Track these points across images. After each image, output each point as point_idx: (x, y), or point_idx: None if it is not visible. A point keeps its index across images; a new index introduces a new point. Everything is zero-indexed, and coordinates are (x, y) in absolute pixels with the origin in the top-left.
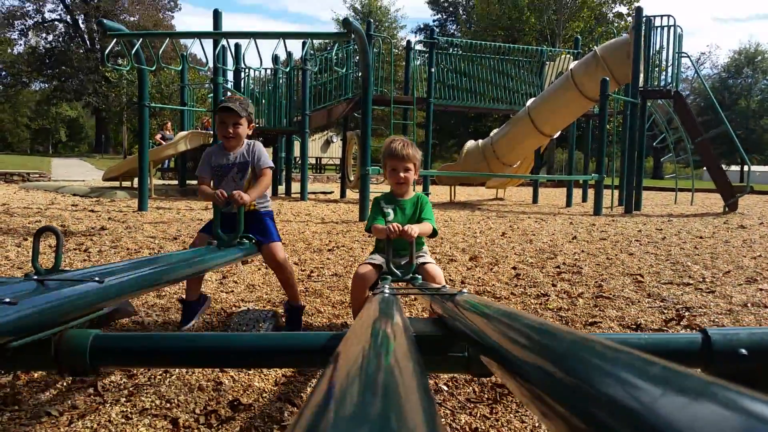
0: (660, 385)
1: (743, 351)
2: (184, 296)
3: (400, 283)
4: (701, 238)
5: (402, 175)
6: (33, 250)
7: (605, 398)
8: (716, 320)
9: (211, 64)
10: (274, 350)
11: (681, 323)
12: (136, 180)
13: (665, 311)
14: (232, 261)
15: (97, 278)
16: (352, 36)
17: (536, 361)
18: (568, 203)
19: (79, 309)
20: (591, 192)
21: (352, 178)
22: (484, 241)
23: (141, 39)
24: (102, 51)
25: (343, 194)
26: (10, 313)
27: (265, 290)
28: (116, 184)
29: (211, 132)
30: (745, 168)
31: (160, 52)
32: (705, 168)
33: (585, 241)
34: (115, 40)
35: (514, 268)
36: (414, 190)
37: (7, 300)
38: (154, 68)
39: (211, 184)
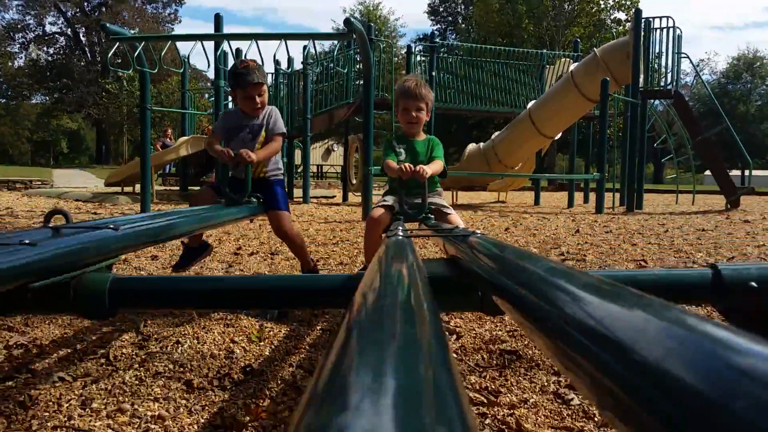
0: (675, 328)
1: (753, 284)
2: (186, 240)
3: (413, 224)
4: (704, 230)
5: (414, 114)
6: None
7: (615, 340)
8: None
9: (212, 67)
10: (294, 291)
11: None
12: (137, 186)
13: None
14: (240, 218)
15: (112, 226)
16: (353, 36)
17: (548, 302)
18: (570, 204)
19: (97, 254)
20: (592, 194)
21: (354, 182)
22: (487, 234)
23: (143, 42)
24: (104, 55)
25: (345, 198)
26: (30, 255)
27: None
28: (118, 189)
29: None
30: (746, 172)
31: (162, 53)
32: (707, 170)
33: (588, 234)
34: (117, 44)
35: None
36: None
37: (27, 241)
38: (155, 70)
39: (222, 144)
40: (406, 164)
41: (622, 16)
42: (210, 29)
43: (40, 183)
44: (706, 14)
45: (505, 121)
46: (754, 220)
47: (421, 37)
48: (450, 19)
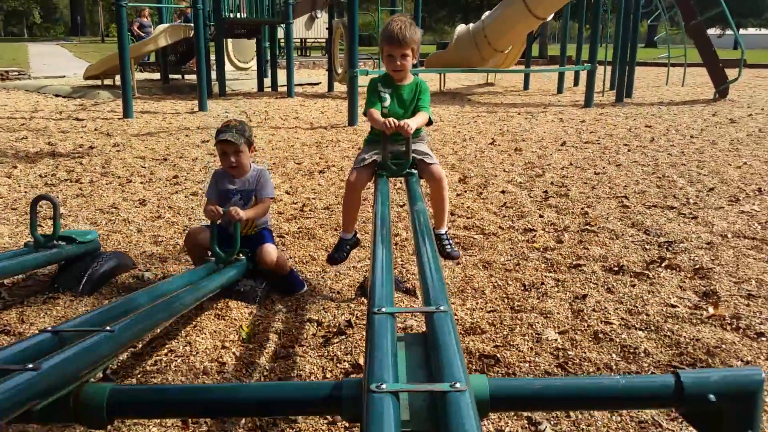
0: None
1: (712, 397)
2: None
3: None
4: (690, 137)
5: (399, 63)
6: (30, 219)
7: None
8: (696, 258)
9: None
10: (285, 401)
11: (662, 265)
12: (117, 78)
13: (647, 247)
14: (229, 282)
15: (108, 328)
16: None
17: None
18: (560, 89)
19: (95, 362)
20: (583, 75)
21: (339, 71)
22: (473, 151)
23: None
24: None
25: (330, 87)
26: (34, 380)
27: None
28: (98, 82)
29: (192, 25)
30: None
31: None
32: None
33: (574, 148)
34: None
35: (502, 191)
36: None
37: (30, 366)
38: None
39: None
40: (390, 120)
41: None
42: None
43: (17, 74)
44: None
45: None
46: (741, 118)
47: None
48: None
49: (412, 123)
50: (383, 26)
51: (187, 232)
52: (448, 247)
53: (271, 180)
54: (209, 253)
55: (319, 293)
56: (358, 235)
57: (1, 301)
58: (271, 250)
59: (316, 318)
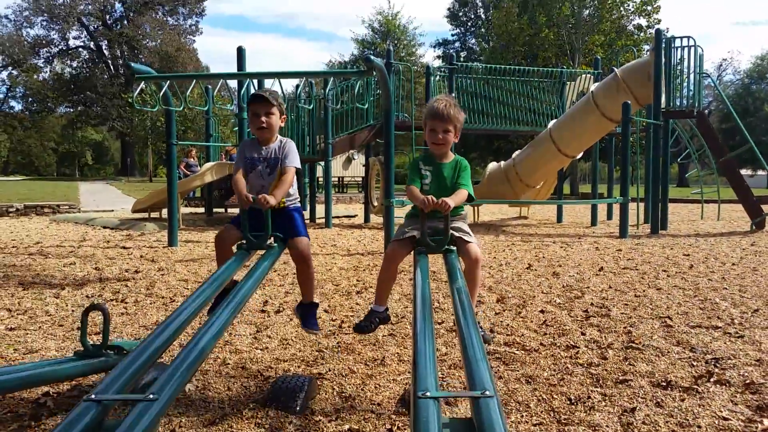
0: None
1: None
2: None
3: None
4: (731, 265)
5: (440, 136)
6: (81, 327)
7: None
8: (745, 374)
9: (236, 101)
10: None
11: (711, 380)
12: (164, 211)
13: (695, 363)
14: (265, 274)
15: (152, 395)
16: (374, 73)
17: None
18: (593, 222)
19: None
20: (616, 208)
21: (375, 204)
22: (510, 275)
23: (168, 81)
24: (126, 80)
25: (366, 219)
26: None
27: (299, 346)
28: (145, 215)
29: None
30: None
31: (188, 93)
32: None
33: (612, 273)
34: (143, 82)
35: (542, 311)
36: (454, 154)
37: None
38: (181, 108)
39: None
40: (429, 197)
41: (643, 22)
42: (228, 37)
43: (67, 207)
44: (728, 9)
45: (526, 136)
46: None
47: (440, 42)
48: (469, 23)
49: (451, 201)
50: (428, 104)
51: (217, 233)
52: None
53: (296, 150)
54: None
55: (359, 405)
56: (389, 312)
57: (46, 410)
58: (304, 244)
59: (357, 428)
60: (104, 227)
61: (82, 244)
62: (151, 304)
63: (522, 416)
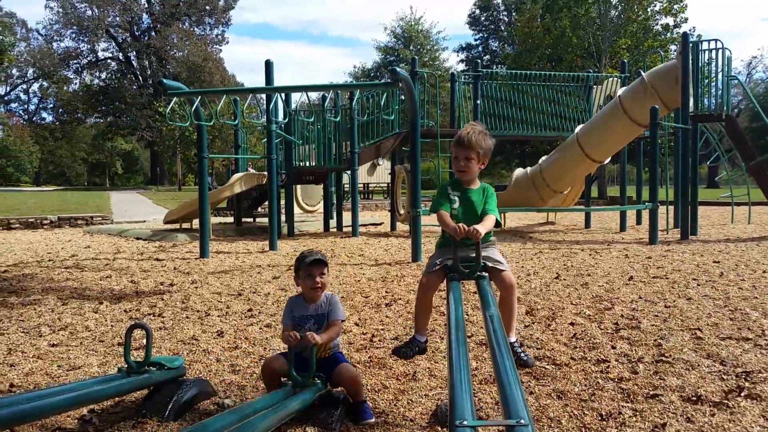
0: None
1: None
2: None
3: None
4: (762, 272)
5: (462, 163)
6: (125, 345)
7: None
8: None
9: (263, 113)
10: None
11: (742, 395)
12: (195, 222)
13: (725, 377)
14: (305, 406)
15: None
16: (399, 84)
17: None
18: (622, 227)
19: None
20: (645, 213)
21: (401, 212)
22: (538, 285)
23: (199, 97)
24: (155, 90)
25: (393, 227)
26: None
27: None
28: (176, 226)
29: (264, 173)
30: None
31: (219, 107)
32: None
33: (642, 282)
34: (175, 98)
35: (572, 323)
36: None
37: None
38: (212, 123)
39: None
40: (461, 225)
41: (670, 21)
42: (254, 45)
43: (100, 219)
44: (757, 4)
45: (553, 142)
46: None
47: (463, 46)
48: (492, 27)
49: (481, 228)
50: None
51: (263, 361)
52: (523, 355)
53: (340, 303)
54: (283, 379)
55: (392, 420)
56: (427, 343)
57: (92, 426)
58: (350, 368)
59: None
60: (137, 238)
61: (117, 256)
62: (186, 318)
63: None
